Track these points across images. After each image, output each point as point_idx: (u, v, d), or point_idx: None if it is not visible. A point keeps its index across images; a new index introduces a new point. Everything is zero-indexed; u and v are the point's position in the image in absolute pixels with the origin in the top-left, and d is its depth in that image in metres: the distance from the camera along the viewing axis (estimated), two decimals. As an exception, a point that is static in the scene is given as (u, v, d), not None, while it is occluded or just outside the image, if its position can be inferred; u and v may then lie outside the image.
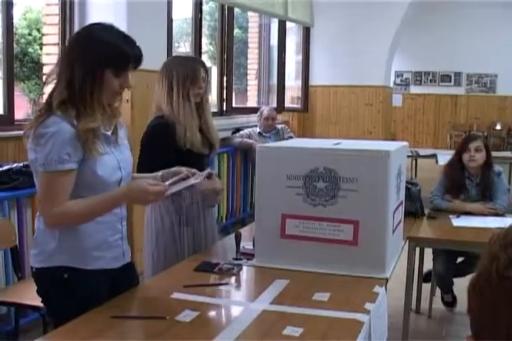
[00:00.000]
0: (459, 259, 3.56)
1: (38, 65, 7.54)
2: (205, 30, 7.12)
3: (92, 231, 1.82)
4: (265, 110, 5.88)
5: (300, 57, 8.08)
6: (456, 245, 3.11)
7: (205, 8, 6.66)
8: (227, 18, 6.19)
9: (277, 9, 6.90)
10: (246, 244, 2.38)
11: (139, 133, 2.73)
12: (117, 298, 1.83)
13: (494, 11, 11.23)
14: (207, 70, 2.71)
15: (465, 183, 3.55)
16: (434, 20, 11.57)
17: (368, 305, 1.79)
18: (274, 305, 1.81)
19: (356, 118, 7.77)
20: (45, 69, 4.57)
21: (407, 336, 3.10)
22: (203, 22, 5.95)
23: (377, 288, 1.96)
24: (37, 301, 1.90)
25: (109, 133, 1.85)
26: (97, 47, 1.75)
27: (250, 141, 5.68)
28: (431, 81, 12.65)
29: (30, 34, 8.25)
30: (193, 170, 2.07)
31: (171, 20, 4.94)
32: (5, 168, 3.22)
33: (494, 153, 3.94)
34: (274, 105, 7.26)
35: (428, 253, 3.62)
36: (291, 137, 5.83)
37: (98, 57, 1.74)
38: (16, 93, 3.81)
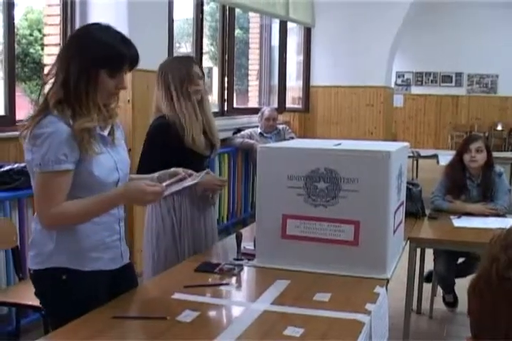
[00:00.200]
0: (460, 260, 3.56)
1: (39, 66, 7.55)
2: (206, 31, 7.13)
3: (89, 232, 1.81)
4: (266, 110, 5.88)
5: (301, 58, 8.08)
6: (457, 246, 3.11)
7: (206, 8, 6.67)
8: (228, 19, 6.19)
9: (278, 10, 6.90)
10: (247, 245, 2.38)
11: (139, 134, 2.74)
12: (118, 299, 1.83)
13: (495, 12, 11.23)
14: (201, 67, 2.73)
15: (466, 184, 3.55)
16: (436, 20, 11.58)
17: (368, 306, 1.79)
18: (275, 305, 1.81)
19: (357, 119, 7.77)
20: (47, 70, 4.57)
21: (408, 336, 3.10)
22: (204, 22, 5.96)
23: (378, 289, 1.96)
24: (38, 301, 1.90)
25: (105, 134, 1.84)
26: (93, 47, 1.75)
27: (251, 141, 5.68)
28: (432, 81, 12.65)
29: (31, 34, 8.26)
30: (190, 171, 2.07)
31: (172, 20, 4.95)
32: (6, 168, 3.23)
33: (495, 154, 3.94)
34: (275, 105, 7.27)
35: (429, 253, 3.62)
36: (292, 137, 5.83)
37: (93, 57, 1.74)
38: (17, 93, 3.81)
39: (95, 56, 1.74)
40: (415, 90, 12.71)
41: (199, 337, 1.58)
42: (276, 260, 2.19)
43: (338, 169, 2.08)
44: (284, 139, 5.54)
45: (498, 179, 3.54)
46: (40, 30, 7.61)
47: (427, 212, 3.42)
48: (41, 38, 7.17)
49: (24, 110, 3.78)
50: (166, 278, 2.16)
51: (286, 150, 2.25)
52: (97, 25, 1.82)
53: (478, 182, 3.55)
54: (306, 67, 7.96)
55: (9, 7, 3.64)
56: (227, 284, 2.03)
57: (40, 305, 1.91)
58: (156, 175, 2.08)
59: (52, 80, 1.77)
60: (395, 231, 2.24)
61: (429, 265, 3.67)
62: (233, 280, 2.09)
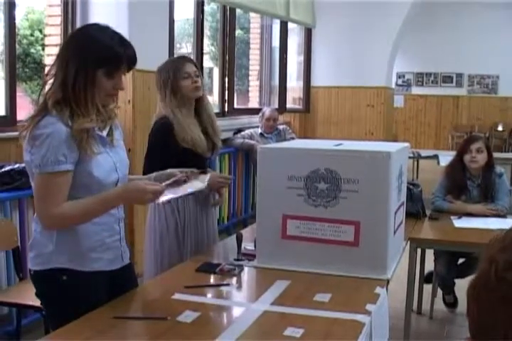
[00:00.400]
0: (461, 260, 3.56)
1: (40, 66, 7.55)
2: (206, 31, 7.12)
3: (89, 232, 1.81)
4: (267, 111, 5.88)
5: (302, 58, 8.08)
6: (457, 246, 3.11)
7: (206, 9, 6.66)
8: (228, 19, 6.19)
9: (279, 10, 6.90)
10: (247, 245, 2.39)
11: (140, 134, 2.74)
12: (118, 299, 1.83)
13: (496, 12, 11.24)
14: (195, 65, 2.73)
15: (466, 184, 3.55)
16: (436, 21, 11.58)
17: (369, 306, 1.79)
18: (275, 305, 1.81)
19: (358, 119, 7.77)
20: (47, 70, 4.57)
21: (408, 337, 3.10)
22: (205, 23, 5.96)
23: (378, 289, 1.97)
24: (38, 302, 1.90)
25: (104, 134, 1.84)
26: (90, 47, 1.75)
27: (252, 141, 5.68)
28: (432, 82, 12.64)
29: (32, 35, 8.25)
30: (189, 170, 2.06)
31: (173, 21, 4.95)
32: (7, 168, 3.23)
33: (496, 154, 3.94)
34: (276, 106, 7.26)
35: (429, 254, 3.62)
36: (292, 138, 5.83)
37: (90, 57, 1.74)
38: (18, 94, 3.81)
39: (92, 56, 1.74)
40: (416, 91, 12.71)
41: (199, 338, 1.58)
42: (277, 260, 2.19)
43: (339, 169, 2.08)
44: (285, 140, 5.53)
45: (499, 179, 3.54)
46: (41, 31, 7.61)
47: (428, 212, 3.43)
48: (42, 39, 7.17)
49: (25, 110, 3.78)
50: (166, 278, 2.16)
51: (287, 150, 2.25)
52: (95, 26, 1.83)
53: (478, 183, 3.55)
54: (307, 67, 7.96)
55: (10, 7, 3.65)
56: (227, 284, 2.04)
57: (41, 306, 1.92)
58: (153, 175, 2.08)
59: (51, 80, 1.78)
60: (395, 232, 2.24)
61: (429, 265, 3.67)
62: (234, 280, 2.09)
